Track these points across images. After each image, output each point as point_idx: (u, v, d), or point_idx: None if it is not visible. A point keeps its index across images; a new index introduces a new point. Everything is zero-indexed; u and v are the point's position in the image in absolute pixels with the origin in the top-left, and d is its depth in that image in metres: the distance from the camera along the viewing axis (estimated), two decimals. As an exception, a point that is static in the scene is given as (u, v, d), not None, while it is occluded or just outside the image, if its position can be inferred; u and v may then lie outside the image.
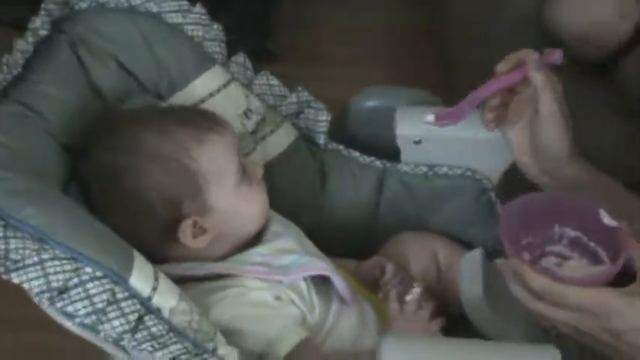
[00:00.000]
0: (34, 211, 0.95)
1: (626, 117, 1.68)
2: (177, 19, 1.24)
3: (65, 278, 0.94)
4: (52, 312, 0.94)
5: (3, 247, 0.94)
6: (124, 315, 0.95)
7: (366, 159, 1.32)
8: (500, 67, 1.22)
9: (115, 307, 0.95)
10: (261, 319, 1.08)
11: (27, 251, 0.93)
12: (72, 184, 1.11)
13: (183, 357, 0.96)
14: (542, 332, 1.12)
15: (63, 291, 0.94)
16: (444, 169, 1.31)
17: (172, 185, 1.09)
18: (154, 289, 0.98)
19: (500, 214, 1.05)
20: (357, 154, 1.33)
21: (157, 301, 0.97)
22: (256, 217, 1.16)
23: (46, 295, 0.93)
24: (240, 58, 1.30)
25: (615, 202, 1.21)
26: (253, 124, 1.27)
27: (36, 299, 0.94)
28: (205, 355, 0.98)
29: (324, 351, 1.12)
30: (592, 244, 1.05)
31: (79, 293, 0.94)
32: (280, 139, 1.29)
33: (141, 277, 0.97)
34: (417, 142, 1.29)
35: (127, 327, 0.95)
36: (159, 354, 0.95)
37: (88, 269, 0.95)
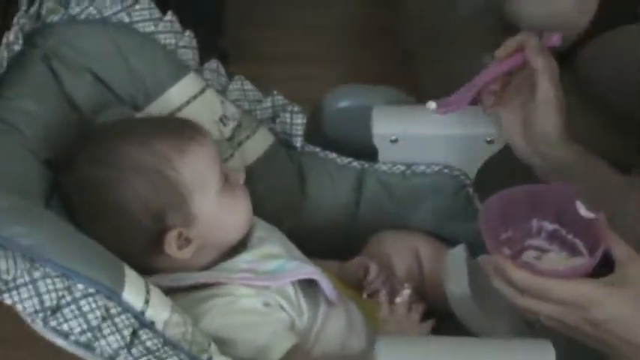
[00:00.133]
0: (22, 230, 0.94)
1: (588, 107, 1.70)
2: (149, 28, 1.24)
3: (58, 296, 0.93)
4: (45, 331, 0.93)
5: None
6: (118, 330, 0.94)
7: (344, 160, 1.33)
8: (500, 52, 1.23)
9: (109, 322, 0.94)
10: (251, 326, 1.08)
11: (18, 271, 0.92)
12: (53, 199, 1.10)
13: (179, 370, 0.96)
14: (526, 325, 1.13)
15: (56, 309, 0.93)
16: (422, 167, 1.31)
17: (156, 197, 1.09)
18: (147, 302, 0.97)
19: (479, 211, 1.05)
20: (334, 155, 1.33)
21: (150, 314, 0.97)
22: (241, 224, 1.16)
23: (40, 314, 0.92)
24: (213, 64, 1.30)
25: (603, 184, 1.23)
26: (230, 130, 1.27)
27: (28, 319, 0.93)
28: (200, 366, 0.98)
29: (314, 355, 1.12)
30: (570, 236, 1.06)
31: (72, 311, 0.93)
32: (257, 144, 1.29)
33: (133, 291, 0.97)
34: (394, 141, 1.30)
35: (122, 343, 0.94)
36: (155, 368, 0.95)
37: (80, 286, 0.94)
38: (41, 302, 0.92)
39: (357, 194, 1.33)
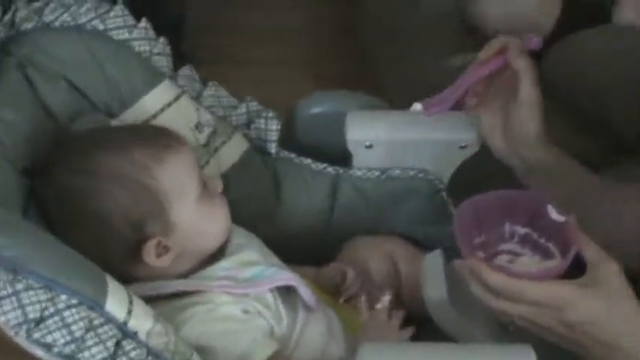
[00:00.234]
0: (3, 241, 0.93)
1: (556, 109, 1.73)
2: (123, 35, 1.23)
3: (41, 308, 0.92)
4: (28, 344, 0.93)
5: None
6: (102, 341, 0.94)
7: (319, 166, 1.33)
8: (483, 54, 1.24)
9: (92, 334, 0.93)
10: (231, 334, 1.08)
11: (0, 283, 0.92)
12: (30, 208, 1.09)
13: (163, 380, 0.96)
14: (501, 329, 1.14)
15: (40, 321, 0.92)
16: (397, 172, 1.33)
17: (135, 206, 1.08)
18: (130, 312, 0.97)
19: (454, 216, 1.07)
20: (309, 161, 1.33)
21: (133, 324, 0.97)
22: (219, 232, 1.16)
23: (24, 326, 0.91)
24: (187, 70, 1.30)
25: (580, 186, 1.25)
26: (205, 136, 1.27)
27: (11, 332, 0.92)
28: (183, 376, 0.98)
29: (295, 361, 1.13)
30: (542, 239, 1.08)
31: (56, 322, 0.92)
32: (232, 151, 1.29)
33: (116, 301, 0.96)
34: (369, 147, 1.30)
35: (106, 354, 0.94)
36: (139, 379, 0.95)
37: (64, 297, 0.93)
38: (25, 314, 0.92)
39: (332, 200, 1.33)
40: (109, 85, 1.22)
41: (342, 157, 1.34)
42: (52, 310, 0.93)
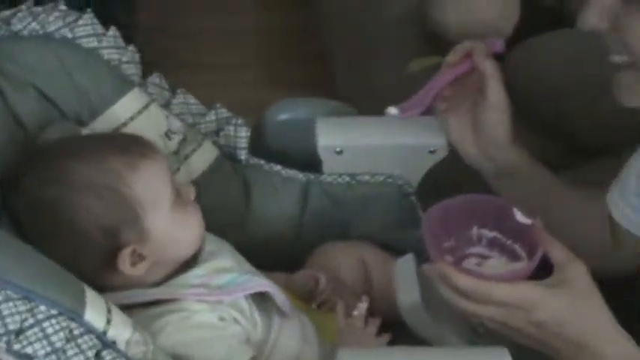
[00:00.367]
0: None
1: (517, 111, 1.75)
2: (92, 43, 1.23)
3: (21, 319, 0.92)
4: (7, 356, 0.92)
5: None
6: (82, 352, 0.93)
7: (289, 172, 1.34)
8: (450, 58, 1.26)
9: (73, 344, 0.93)
10: (207, 341, 1.08)
11: (-21, 295, 0.91)
12: (2, 218, 1.09)
13: (142, 389, 0.96)
14: (472, 331, 1.16)
15: (19, 332, 0.91)
16: (366, 177, 1.34)
17: (109, 214, 1.08)
18: (108, 322, 0.97)
19: (422, 220, 1.08)
20: (278, 167, 1.34)
21: (112, 334, 0.96)
22: (194, 239, 1.16)
23: (4, 338, 0.91)
24: (156, 78, 1.30)
25: (547, 187, 1.27)
26: (175, 144, 1.27)
27: (-9, 344, 0.92)
28: (162, 385, 0.99)
29: (271, 368, 1.13)
30: (509, 242, 1.09)
31: (35, 333, 0.92)
32: (203, 158, 1.29)
33: (94, 311, 0.96)
34: (339, 153, 1.31)
35: (86, 364, 0.94)
36: (119, 389, 0.95)
37: (42, 307, 0.93)
38: (5, 325, 0.91)
39: (302, 206, 1.34)
40: (79, 93, 1.22)
41: (311, 163, 1.34)
42: (31, 321, 0.92)
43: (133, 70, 1.27)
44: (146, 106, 1.26)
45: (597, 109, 1.73)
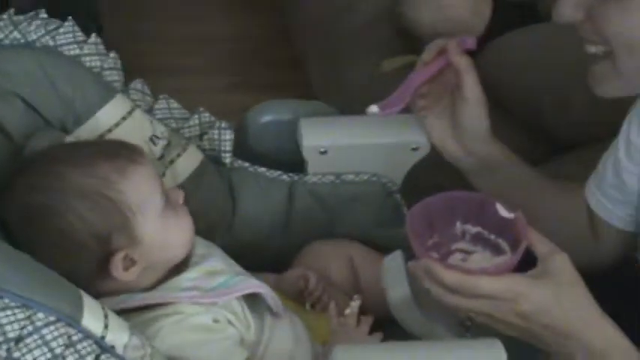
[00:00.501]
0: None
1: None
2: (74, 50, 1.23)
3: (20, 327, 0.92)
4: (7, 364, 0.93)
5: None
6: (81, 357, 0.94)
7: (273, 173, 1.35)
8: (425, 56, 1.27)
9: (72, 350, 0.93)
10: (202, 343, 1.09)
11: (-23, 305, 0.91)
12: (-6, 227, 1.09)
13: (141, 393, 0.97)
14: (460, 325, 1.17)
15: (19, 340, 0.92)
16: (351, 177, 1.35)
17: (101, 220, 1.08)
18: (106, 327, 0.97)
19: (406, 218, 1.09)
20: (263, 169, 1.34)
21: (110, 339, 0.97)
22: (185, 242, 1.16)
23: (4, 346, 0.91)
24: (138, 84, 1.31)
25: (527, 181, 1.29)
26: (160, 149, 1.27)
27: (-9, 353, 0.92)
28: (161, 388, 0.99)
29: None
30: (493, 236, 1.11)
31: (35, 340, 0.92)
32: (188, 162, 1.30)
33: (92, 316, 0.96)
34: (323, 153, 1.32)
35: (86, 369, 0.94)
36: (118, 393, 0.95)
37: (41, 315, 0.93)
38: (4, 334, 0.91)
39: (288, 206, 1.35)
40: (63, 101, 1.22)
41: (294, 164, 1.35)
42: (30, 328, 0.93)
43: (115, 76, 1.27)
44: (130, 112, 1.26)
45: (570, 104, 1.76)
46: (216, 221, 1.31)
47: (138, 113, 1.27)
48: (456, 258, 1.11)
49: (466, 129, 1.28)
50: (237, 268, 1.20)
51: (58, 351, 0.93)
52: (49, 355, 0.92)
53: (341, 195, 1.35)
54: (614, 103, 1.13)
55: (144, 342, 1.01)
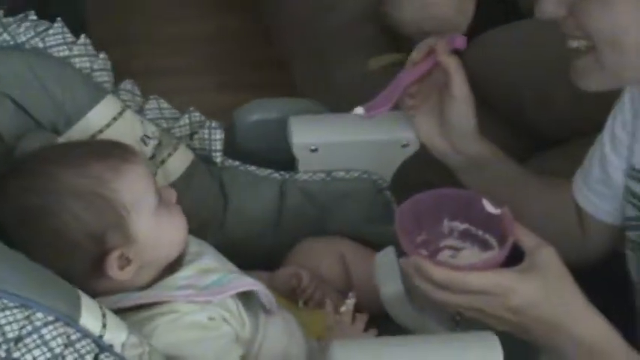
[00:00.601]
0: None
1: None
2: (63, 52, 1.23)
3: (19, 327, 0.92)
4: (6, 365, 0.93)
5: None
6: (81, 356, 0.94)
7: (264, 172, 1.35)
8: (414, 55, 1.28)
9: (71, 349, 0.94)
10: (198, 342, 1.09)
11: (-24, 306, 0.91)
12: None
13: (139, 391, 0.97)
14: (451, 320, 1.18)
15: (18, 340, 0.92)
16: (341, 174, 1.35)
17: (96, 219, 1.09)
18: (104, 326, 0.97)
19: (395, 216, 1.10)
20: (254, 168, 1.35)
21: (108, 337, 0.97)
22: (179, 240, 1.16)
23: (3, 347, 0.91)
24: (127, 85, 1.31)
25: (513, 178, 1.30)
26: (151, 149, 1.27)
27: (-9, 353, 0.92)
28: (159, 386, 1.00)
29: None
30: (480, 232, 1.12)
31: (34, 340, 0.92)
32: (179, 162, 1.30)
33: (90, 315, 0.97)
34: (314, 150, 1.33)
35: (85, 368, 0.94)
36: (117, 391, 0.96)
37: (40, 314, 0.93)
38: (3, 334, 0.91)
39: (279, 204, 1.35)
40: (53, 102, 1.22)
41: (284, 163, 1.36)
42: (29, 328, 0.93)
43: (105, 77, 1.27)
44: (121, 113, 1.26)
45: (553, 100, 1.77)
46: (207, 220, 1.32)
47: (128, 114, 1.27)
48: (445, 255, 1.12)
49: (454, 127, 1.29)
50: (231, 266, 1.21)
51: (57, 350, 0.93)
52: (48, 355, 0.93)
53: (332, 192, 1.36)
54: (596, 98, 1.14)
55: (141, 340, 1.01)
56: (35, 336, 0.93)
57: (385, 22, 2.00)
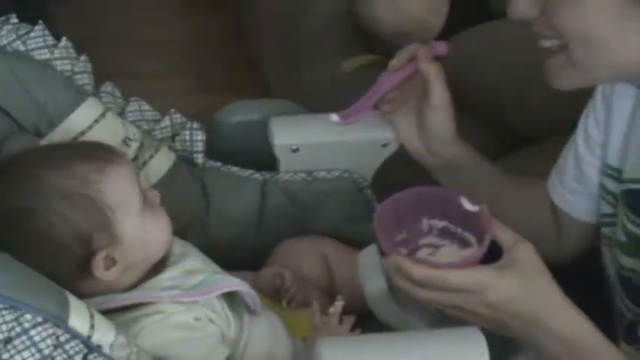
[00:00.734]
0: None
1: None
2: (45, 55, 1.24)
3: (8, 328, 0.92)
4: (-4, 366, 0.93)
5: None
6: (70, 357, 0.94)
7: (246, 172, 1.36)
8: (394, 62, 1.29)
9: (60, 350, 0.94)
10: (184, 342, 1.09)
11: (-35, 308, 0.92)
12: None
13: (128, 391, 0.98)
14: (431, 317, 1.19)
15: (7, 342, 0.92)
16: (322, 174, 1.36)
17: (80, 220, 1.09)
18: (92, 327, 0.98)
19: (374, 216, 1.11)
20: (235, 168, 1.36)
21: (96, 338, 0.97)
22: (163, 240, 1.17)
23: (-7, 348, 0.92)
24: (108, 87, 1.31)
25: (491, 180, 1.32)
26: (133, 151, 1.28)
27: (-20, 355, 0.92)
28: (147, 387, 1.00)
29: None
30: (459, 230, 1.13)
31: (23, 342, 0.93)
32: (160, 163, 1.31)
33: (78, 316, 0.97)
34: (295, 150, 1.34)
35: (74, 369, 0.95)
36: (106, 391, 0.96)
37: (28, 316, 0.94)
38: None
39: (261, 205, 1.36)
40: (36, 105, 1.22)
41: (265, 164, 1.36)
42: (18, 329, 0.93)
43: (86, 80, 1.28)
44: (102, 115, 1.27)
45: (529, 100, 1.79)
46: (190, 221, 1.32)
47: (110, 116, 1.27)
48: (424, 252, 1.13)
49: (432, 133, 1.30)
50: (215, 267, 1.21)
51: (46, 352, 0.93)
52: (37, 356, 0.93)
53: (313, 192, 1.36)
54: (572, 97, 1.16)
55: (129, 340, 1.01)
56: (24, 337, 0.93)
57: (358, 23, 2.01)
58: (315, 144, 1.34)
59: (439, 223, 1.14)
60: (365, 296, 1.18)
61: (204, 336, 1.11)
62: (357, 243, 1.30)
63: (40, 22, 1.25)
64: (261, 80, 2.34)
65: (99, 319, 1.00)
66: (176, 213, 1.27)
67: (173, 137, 1.34)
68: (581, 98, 1.24)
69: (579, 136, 1.25)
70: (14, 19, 1.23)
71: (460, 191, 1.15)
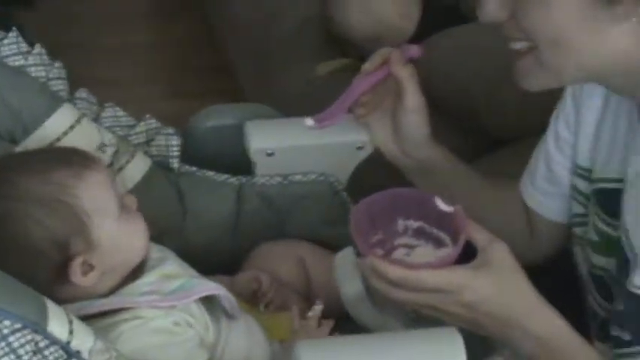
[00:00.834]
0: None
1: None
2: (19, 61, 1.24)
3: None
4: (-26, 373, 0.93)
5: None
6: (49, 363, 0.95)
7: (221, 177, 1.36)
8: (367, 66, 1.30)
9: (39, 356, 0.94)
10: (164, 346, 1.10)
11: (-57, 315, 0.91)
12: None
13: (107, 397, 0.98)
14: (408, 318, 1.20)
15: (-15, 349, 0.92)
16: (298, 177, 1.37)
17: (57, 226, 1.09)
18: (71, 332, 0.97)
19: (350, 217, 1.11)
20: (211, 173, 1.36)
21: (75, 344, 0.97)
22: (141, 245, 1.17)
23: (-29, 355, 0.91)
24: (83, 93, 1.31)
25: (465, 181, 1.33)
26: (109, 156, 1.28)
27: (-43, 362, 0.92)
28: (126, 392, 1.00)
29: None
30: (434, 230, 1.13)
31: (2, 348, 0.92)
32: (136, 169, 1.31)
33: (57, 322, 0.97)
34: (270, 154, 1.34)
35: (53, 375, 0.94)
36: (85, 398, 0.96)
37: (7, 322, 0.93)
38: None
39: (237, 209, 1.36)
40: (10, 111, 1.22)
41: (241, 168, 1.37)
42: (-4, 336, 0.93)
43: (60, 86, 1.28)
44: (78, 121, 1.27)
45: (500, 101, 1.80)
46: (166, 226, 1.32)
47: (85, 122, 1.28)
48: (400, 253, 1.14)
49: (406, 135, 1.31)
50: (192, 271, 1.21)
51: (25, 358, 0.93)
52: (17, 363, 0.93)
53: (289, 195, 1.37)
54: (544, 98, 1.17)
55: (108, 346, 1.01)
56: (3, 344, 0.93)
57: (330, 27, 2.02)
58: (291, 147, 1.34)
59: (414, 224, 1.14)
60: (342, 298, 1.19)
61: (183, 340, 1.11)
62: (333, 246, 1.30)
63: (14, 28, 1.24)
64: (233, 85, 2.34)
65: (77, 324, 1.00)
66: (152, 218, 1.27)
67: (148, 142, 1.34)
68: (554, 99, 1.25)
69: (549, 136, 1.26)
70: (-13, 27, 1.23)
71: (435, 192, 1.16)
